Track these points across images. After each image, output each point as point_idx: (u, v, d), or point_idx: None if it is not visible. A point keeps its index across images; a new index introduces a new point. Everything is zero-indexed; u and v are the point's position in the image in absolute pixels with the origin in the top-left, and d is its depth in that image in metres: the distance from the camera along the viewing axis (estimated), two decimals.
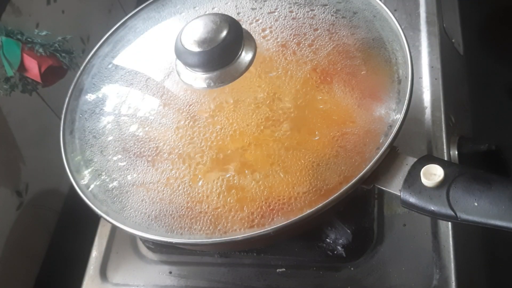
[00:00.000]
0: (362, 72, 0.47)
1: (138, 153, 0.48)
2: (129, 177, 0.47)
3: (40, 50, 0.67)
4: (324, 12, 0.52)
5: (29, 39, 0.68)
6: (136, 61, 0.55)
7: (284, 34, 0.50)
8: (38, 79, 0.67)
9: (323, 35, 0.50)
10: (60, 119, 0.53)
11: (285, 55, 0.49)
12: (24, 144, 0.73)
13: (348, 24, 0.51)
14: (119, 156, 0.48)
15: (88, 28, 0.88)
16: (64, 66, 0.71)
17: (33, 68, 0.67)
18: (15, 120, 0.71)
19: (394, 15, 0.49)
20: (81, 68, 0.56)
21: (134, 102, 0.51)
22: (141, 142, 0.48)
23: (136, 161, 0.47)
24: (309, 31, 0.50)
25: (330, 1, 0.53)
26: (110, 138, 0.50)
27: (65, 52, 0.70)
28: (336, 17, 0.51)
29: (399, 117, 0.43)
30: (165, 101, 0.49)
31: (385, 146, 0.42)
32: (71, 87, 0.55)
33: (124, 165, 0.48)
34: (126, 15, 0.59)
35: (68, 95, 0.54)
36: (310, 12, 0.52)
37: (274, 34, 0.50)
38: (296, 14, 0.52)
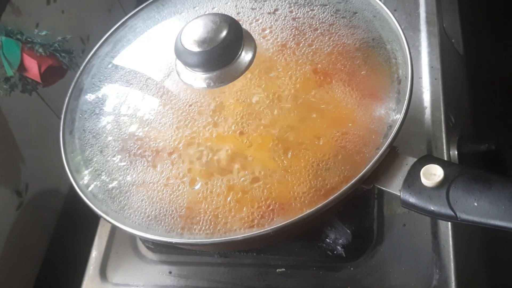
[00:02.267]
0: (362, 72, 0.47)
1: (138, 153, 0.48)
2: (129, 177, 0.47)
3: (40, 50, 0.67)
4: (324, 12, 0.52)
5: (29, 39, 0.68)
6: (136, 61, 0.55)
7: (284, 34, 0.50)
8: (38, 79, 0.67)
9: (323, 35, 0.50)
10: (60, 119, 0.53)
11: (285, 55, 0.49)
12: (24, 144, 0.72)
13: (348, 24, 0.51)
14: (119, 156, 0.48)
15: (88, 28, 0.88)
16: (64, 66, 0.71)
17: (33, 68, 0.67)
18: (15, 120, 0.71)
19: (394, 15, 0.49)
20: (81, 68, 0.56)
21: (134, 102, 0.51)
22: (141, 142, 0.48)
23: (136, 161, 0.47)
24: (309, 31, 0.50)
25: (330, 1, 0.53)
26: (110, 138, 0.50)
27: (65, 52, 0.71)
28: (336, 17, 0.51)
29: (399, 117, 0.43)
30: (165, 101, 0.49)
31: (385, 146, 0.42)
32: (71, 87, 0.55)
33: (124, 165, 0.48)
34: (126, 15, 0.59)
35: (68, 95, 0.54)
36: (310, 12, 0.52)
37: (274, 34, 0.50)
38: (296, 14, 0.52)
